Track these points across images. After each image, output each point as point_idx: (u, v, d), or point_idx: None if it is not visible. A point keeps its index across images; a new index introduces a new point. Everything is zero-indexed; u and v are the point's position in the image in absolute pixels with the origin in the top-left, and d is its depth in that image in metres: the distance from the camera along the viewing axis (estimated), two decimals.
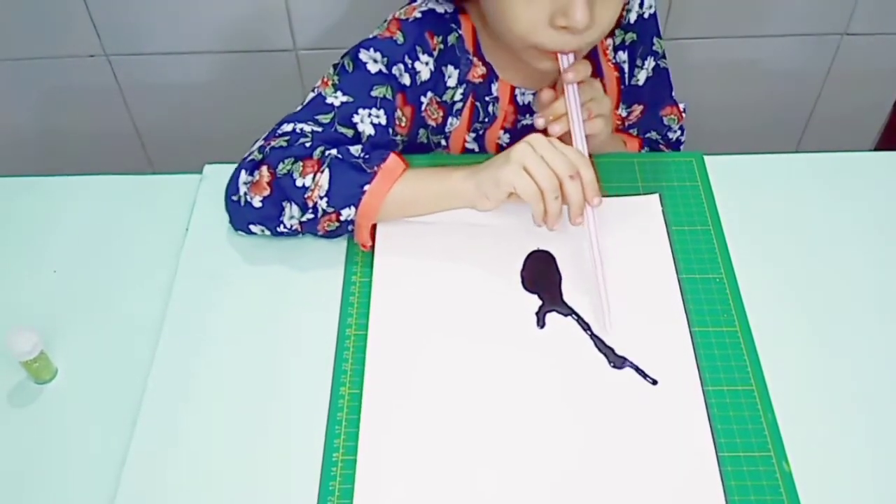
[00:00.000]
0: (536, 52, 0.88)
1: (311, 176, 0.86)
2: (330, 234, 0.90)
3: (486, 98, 1.00)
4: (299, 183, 0.86)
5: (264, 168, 0.88)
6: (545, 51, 0.87)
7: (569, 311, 0.85)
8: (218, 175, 0.96)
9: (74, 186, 1.00)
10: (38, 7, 1.40)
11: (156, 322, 0.86)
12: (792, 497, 0.73)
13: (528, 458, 0.76)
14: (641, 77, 1.05)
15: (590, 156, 0.86)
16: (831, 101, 1.63)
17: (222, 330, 0.86)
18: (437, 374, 0.81)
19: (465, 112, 1.01)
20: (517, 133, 1.03)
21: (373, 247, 0.90)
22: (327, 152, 0.87)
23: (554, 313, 0.85)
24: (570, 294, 0.87)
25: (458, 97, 0.99)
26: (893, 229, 0.94)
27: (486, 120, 1.02)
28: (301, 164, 0.86)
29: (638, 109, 1.07)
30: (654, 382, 0.80)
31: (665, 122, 1.09)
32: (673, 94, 1.10)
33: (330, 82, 0.93)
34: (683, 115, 1.10)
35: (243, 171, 0.89)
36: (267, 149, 0.89)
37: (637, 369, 0.81)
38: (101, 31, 1.44)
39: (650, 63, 1.05)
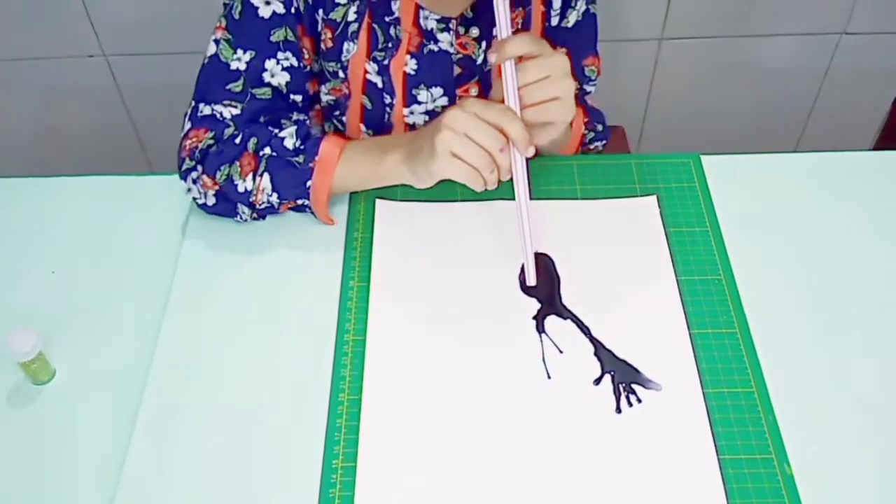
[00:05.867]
0: None
1: (250, 177, 0.88)
2: (295, 210, 0.93)
3: (387, 19, 0.91)
4: (241, 188, 0.88)
5: (205, 177, 0.90)
6: None
7: (568, 315, 0.85)
8: None
9: (73, 186, 1.00)
10: (38, 7, 1.40)
11: (154, 323, 0.86)
12: (793, 499, 0.73)
13: (529, 462, 0.75)
14: (572, 19, 0.98)
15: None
16: (830, 101, 1.63)
17: (220, 332, 0.85)
18: (435, 380, 0.81)
19: (362, 35, 0.92)
20: (425, 60, 0.94)
21: (367, 252, 0.90)
22: (261, 152, 0.88)
23: (553, 316, 0.85)
24: (568, 297, 0.87)
25: (351, 17, 0.91)
26: (892, 229, 0.94)
27: (390, 45, 0.93)
28: (238, 164, 0.88)
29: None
30: (640, 380, 0.80)
31: (586, 72, 1.03)
32: (597, 45, 1.03)
33: (222, 28, 0.90)
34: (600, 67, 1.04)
35: (186, 181, 0.91)
36: (197, 153, 0.90)
37: (618, 386, 0.80)
38: (100, 32, 1.44)
39: (581, 5, 0.98)
